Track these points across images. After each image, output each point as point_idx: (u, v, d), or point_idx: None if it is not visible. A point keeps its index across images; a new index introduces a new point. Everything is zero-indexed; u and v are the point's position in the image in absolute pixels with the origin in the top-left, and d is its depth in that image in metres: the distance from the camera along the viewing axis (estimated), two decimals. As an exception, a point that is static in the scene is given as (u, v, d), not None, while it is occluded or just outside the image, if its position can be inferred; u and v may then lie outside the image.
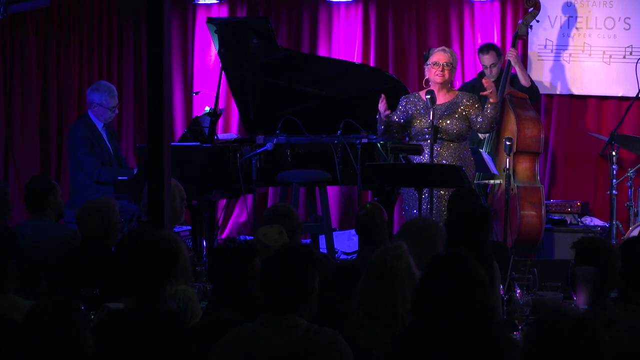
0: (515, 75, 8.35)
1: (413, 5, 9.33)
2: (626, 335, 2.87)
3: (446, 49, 7.23)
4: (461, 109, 7.07)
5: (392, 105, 7.27)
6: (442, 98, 7.11)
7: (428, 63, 7.19)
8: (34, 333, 3.44)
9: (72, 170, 7.90)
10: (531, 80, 8.43)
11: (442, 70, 7.08)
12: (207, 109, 7.93)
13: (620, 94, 8.69)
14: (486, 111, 7.04)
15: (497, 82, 8.38)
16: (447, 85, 7.14)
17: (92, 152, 7.75)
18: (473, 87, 8.15)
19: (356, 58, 9.30)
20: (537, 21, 8.48)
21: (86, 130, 7.79)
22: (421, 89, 7.31)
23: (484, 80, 7.25)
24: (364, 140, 7.48)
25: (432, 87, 7.12)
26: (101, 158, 7.77)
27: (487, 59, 8.40)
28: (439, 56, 7.13)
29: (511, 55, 8.24)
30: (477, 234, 4.66)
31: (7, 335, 3.62)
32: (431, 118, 6.88)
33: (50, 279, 5.18)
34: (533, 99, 8.40)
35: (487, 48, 8.47)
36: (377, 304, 3.90)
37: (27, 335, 3.45)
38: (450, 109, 7.06)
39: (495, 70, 8.41)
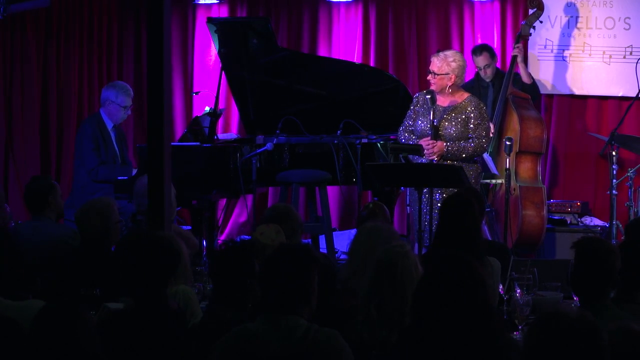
0: (515, 74, 8.34)
1: (413, 5, 9.32)
2: (620, 335, 2.87)
3: (441, 53, 7.08)
4: (465, 117, 6.95)
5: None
6: (444, 100, 7.06)
7: None
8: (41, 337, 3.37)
9: (75, 167, 7.90)
10: (532, 78, 8.44)
11: (433, 78, 7.03)
12: (207, 109, 7.93)
13: (620, 94, 8.69)
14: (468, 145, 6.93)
15: (493, 82, 8.39)
16: (444, 90, 7.02)
17: (96, 150, 7.74)
18: (472, 89, 8.14)
19: (356, 58, 9.29)
20: (541, 22, 8.48)
21: (95, 128, 7.79)
22: (421, 89, 7.29)
23: (422, 142, 6.91)
24: (364, 140, 7.47)
25: None
26: (104, 158, 7.76)
27: (481, 60, 8.37)
28: (431, 63, 7.09)
29: (519, 50, 8.20)
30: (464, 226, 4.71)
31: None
32: (431, 117, 6.88)
33: (50, 279, 5.17)
34: (534, 98, 8.41)
35: (480, 49, 8.44)
36: (389, 302, 3.90)
37: (35, 339, 3.36)
38: (452, 112, 6.98)
39: (489, 71, 8.39)
